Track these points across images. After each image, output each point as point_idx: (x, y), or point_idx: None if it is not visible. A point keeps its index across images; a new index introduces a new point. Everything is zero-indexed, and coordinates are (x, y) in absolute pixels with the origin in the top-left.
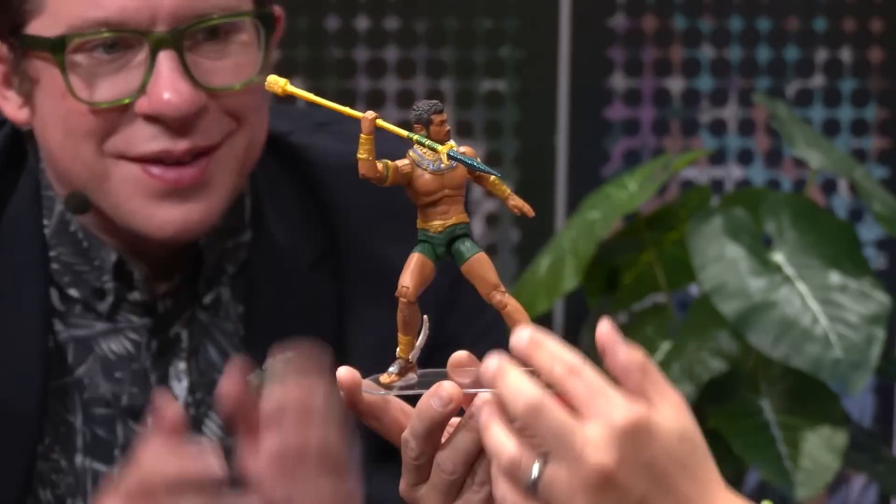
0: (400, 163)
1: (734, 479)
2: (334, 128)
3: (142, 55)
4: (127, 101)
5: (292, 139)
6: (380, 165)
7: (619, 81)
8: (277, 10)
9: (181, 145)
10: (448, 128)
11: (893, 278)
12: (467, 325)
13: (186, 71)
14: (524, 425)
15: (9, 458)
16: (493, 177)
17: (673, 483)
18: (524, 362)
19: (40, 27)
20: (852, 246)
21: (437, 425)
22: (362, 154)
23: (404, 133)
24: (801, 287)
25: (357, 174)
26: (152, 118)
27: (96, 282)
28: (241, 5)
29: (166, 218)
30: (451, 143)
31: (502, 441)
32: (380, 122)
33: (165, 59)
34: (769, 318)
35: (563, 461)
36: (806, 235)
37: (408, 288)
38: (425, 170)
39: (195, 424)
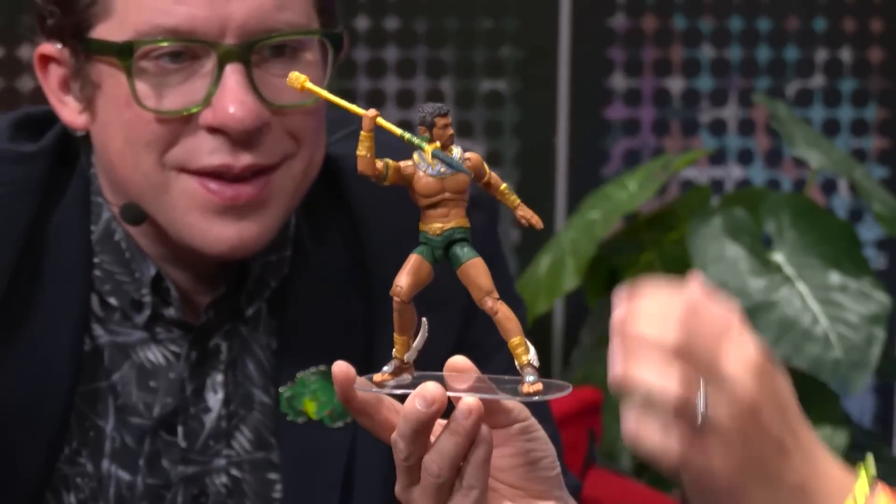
0: (403, 163)
1: None
2: None
3: (208, 66)
4: (194, 110)
5: (328, 150)
6: (380, 164)
7: (619, 81)
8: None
9: (242, 161)
10: (451, 132)
11: (893, 278)
12: (487, 334)
13: (252, 85)
14: (683, 354)
15: (28, 457)
16: (502, 185)
17: (794, 423)
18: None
19: (107, 32)
20: (852, 246)
21: (422, 426)
22: (361, 151)
23: (398, 131)
24: (801, 287)
25: (388, 188)
26: (215, 130)
27: (135, 293)
28: (311, 24)
29: (221, 234)
30: (455, 147)
31: (658, 379)
32: (380, 120)
33: (232, 72)
34: (769, 318)
35: (720, 390)
36: (806, 235)
37: (401, 287)
38: (424, 172)
39: (226, 437)
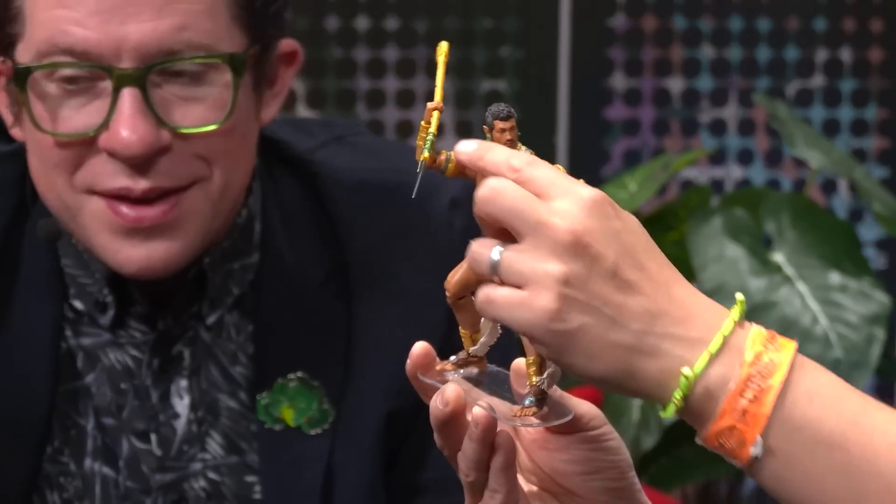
0: None
1: (734, 479)
2: (353, 140)
3: (108, 89)
4: (91, 134)
5: (309, 154)
6: (442, 156)
7: (619, 81)
8: (289, 44)
9: (140, 184)
10: (509, 137)
11: (893, 278)
12: None
13: (150, 109)
14: (483, 213)
15: (14, 461)
16: None
17: (642, 259)
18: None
19: (22, 51)
20: (852, 246)
21: (442, 424)
22: (419, 141)
23: (430, 129)
24: (801, 287)
25: (369, 191)
26: (114, 154)
27: (98, 294)
28: (217, 44)
29: (130, 255)
30: (524, 151)
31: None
32: (435, 114)
33: (128, 97)
34: (769, 318)
35: (528, 235)
36: (806, 235)
37: (447, 282)
38: None
39: (200, 441)
